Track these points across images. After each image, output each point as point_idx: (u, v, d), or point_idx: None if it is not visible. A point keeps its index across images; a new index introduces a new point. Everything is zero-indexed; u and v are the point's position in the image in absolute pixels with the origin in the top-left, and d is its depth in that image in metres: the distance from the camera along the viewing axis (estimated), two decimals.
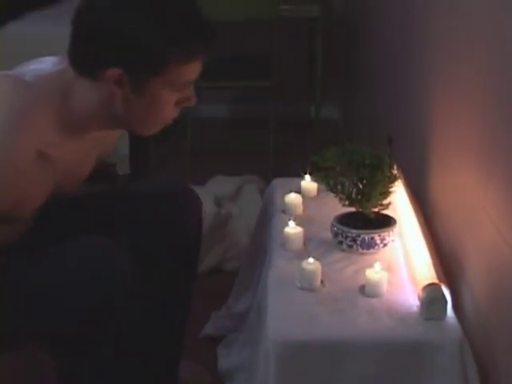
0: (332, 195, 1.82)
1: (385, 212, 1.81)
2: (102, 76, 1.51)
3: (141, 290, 1.66)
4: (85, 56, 1.54)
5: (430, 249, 1.70)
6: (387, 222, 1.80)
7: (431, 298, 1.53)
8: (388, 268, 1.68)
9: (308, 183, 2.09)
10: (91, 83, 1.54)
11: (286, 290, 1.65)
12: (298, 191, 2.05)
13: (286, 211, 1.99)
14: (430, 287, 1.54)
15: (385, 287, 1.62)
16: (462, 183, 1.66)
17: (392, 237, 1.79)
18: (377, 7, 2.91)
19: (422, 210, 1.91)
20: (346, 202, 1.80)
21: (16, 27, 3.39)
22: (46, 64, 1.61)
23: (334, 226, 1.79)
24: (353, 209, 1.81)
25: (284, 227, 1.85)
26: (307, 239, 1.85)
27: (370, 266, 1.64)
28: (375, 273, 1.62)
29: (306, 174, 2.09)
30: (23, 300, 1.52)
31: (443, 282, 1.57)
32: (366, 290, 1.63)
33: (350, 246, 1.77)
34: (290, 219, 1.85)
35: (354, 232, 1.77)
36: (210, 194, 2.99)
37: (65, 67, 1.57)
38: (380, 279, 1.62)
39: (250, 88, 3.68)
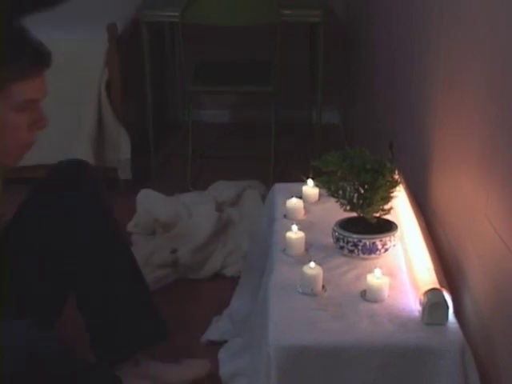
0: (333, 200, 1.82)
1: (386, 217, 1.81)
2: None
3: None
4: None
5: (431, 254, 1.70)
6: (388, 226, 1.80)
7: (432, 303, 1.53)
8: (389, 273, 1.68)
9: (309, 188, 2.09)
10: None
11: (287, 295, 1.65)
12: (300, 196, 2.06)
13: (288, 216, 2.00)
14: (432, 292, 1.54)
15: (386, 292, 1.62)
16: (464, 188, 1.66)
17: (393, 242, 1.79)
18: (378, 13, 2.92)
19: (423, 214, 1.91)
20: (348, 207, 1.80)
21: None
22: None
23: (336, 231, 1.79)
24: (354, 214, 1.81)
25: (285, 232, 1.85)
26: (308, 244, 1.84)
27: (372, 271, 1.64)
28: (376, 278, 1.62)
29: (307, 178, 2.09)
30: None
31: (444, 287, 1.57)
32: (368, 295, 1.63)
33: (352, 251, 1.77)
34: (292, 224, 1.85)
35: (355, 237, 1.76)
36: (212, 198, 2.99)
37: None
38: (381, 284, 1.62)
39: (252, 93, 3.68)
